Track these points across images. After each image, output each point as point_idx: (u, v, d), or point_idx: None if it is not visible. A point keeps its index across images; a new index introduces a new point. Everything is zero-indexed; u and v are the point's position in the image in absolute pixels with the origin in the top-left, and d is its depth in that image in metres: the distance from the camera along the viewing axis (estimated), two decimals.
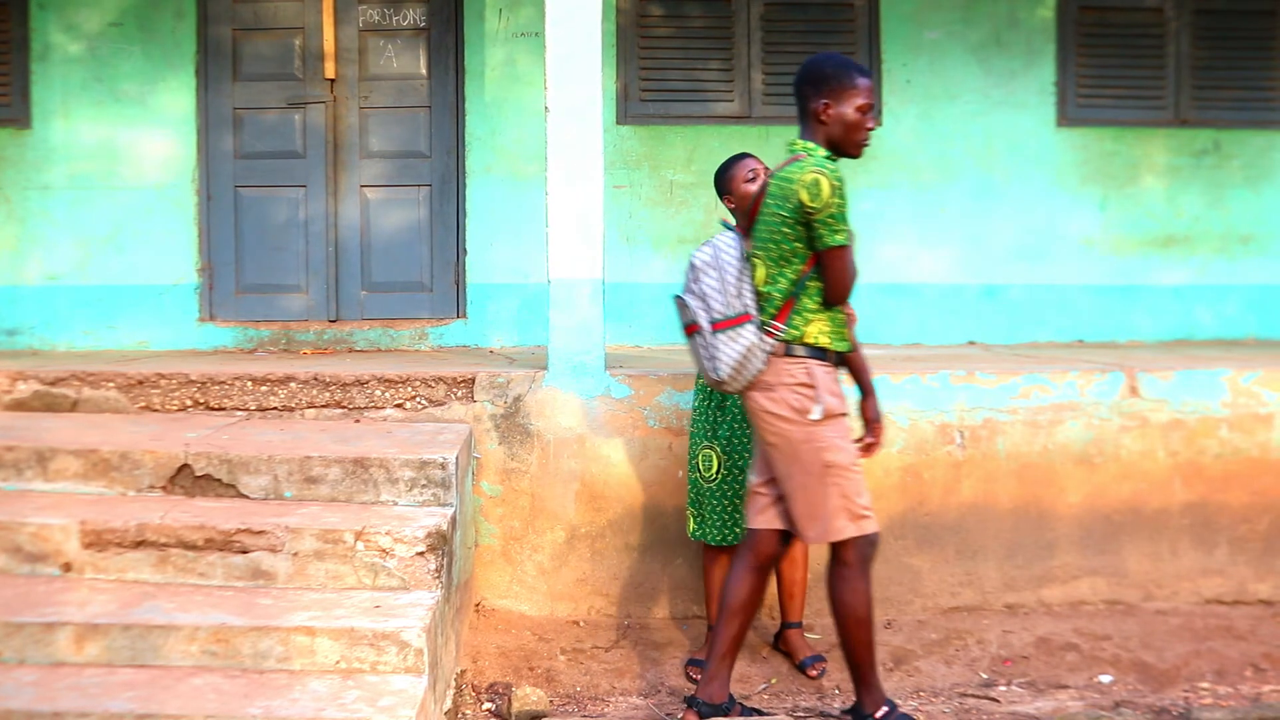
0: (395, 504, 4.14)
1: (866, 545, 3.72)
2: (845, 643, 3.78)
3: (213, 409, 4.90)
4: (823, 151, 3.65)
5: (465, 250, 6.43)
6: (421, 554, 3.84)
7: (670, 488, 4.86)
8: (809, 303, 3.65)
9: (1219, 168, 6.76)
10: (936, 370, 4.98)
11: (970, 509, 4.94)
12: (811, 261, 3.62)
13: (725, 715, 3.86)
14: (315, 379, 4.92)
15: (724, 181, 4.31)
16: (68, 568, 3.87)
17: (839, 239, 3.58)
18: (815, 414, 3.62)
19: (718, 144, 6.49)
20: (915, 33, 6.57)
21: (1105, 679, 4.43)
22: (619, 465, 4.87)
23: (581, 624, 4.80)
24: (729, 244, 3.78)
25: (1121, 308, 6.69)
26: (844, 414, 3.70)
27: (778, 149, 6.45)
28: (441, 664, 3.79)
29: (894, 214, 6.54)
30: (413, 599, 3.75)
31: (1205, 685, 4.42)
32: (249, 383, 4.92)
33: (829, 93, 3.65)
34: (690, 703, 3.89)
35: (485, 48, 6.40)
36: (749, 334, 3.66)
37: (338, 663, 3.49)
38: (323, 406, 4.90)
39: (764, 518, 3.82)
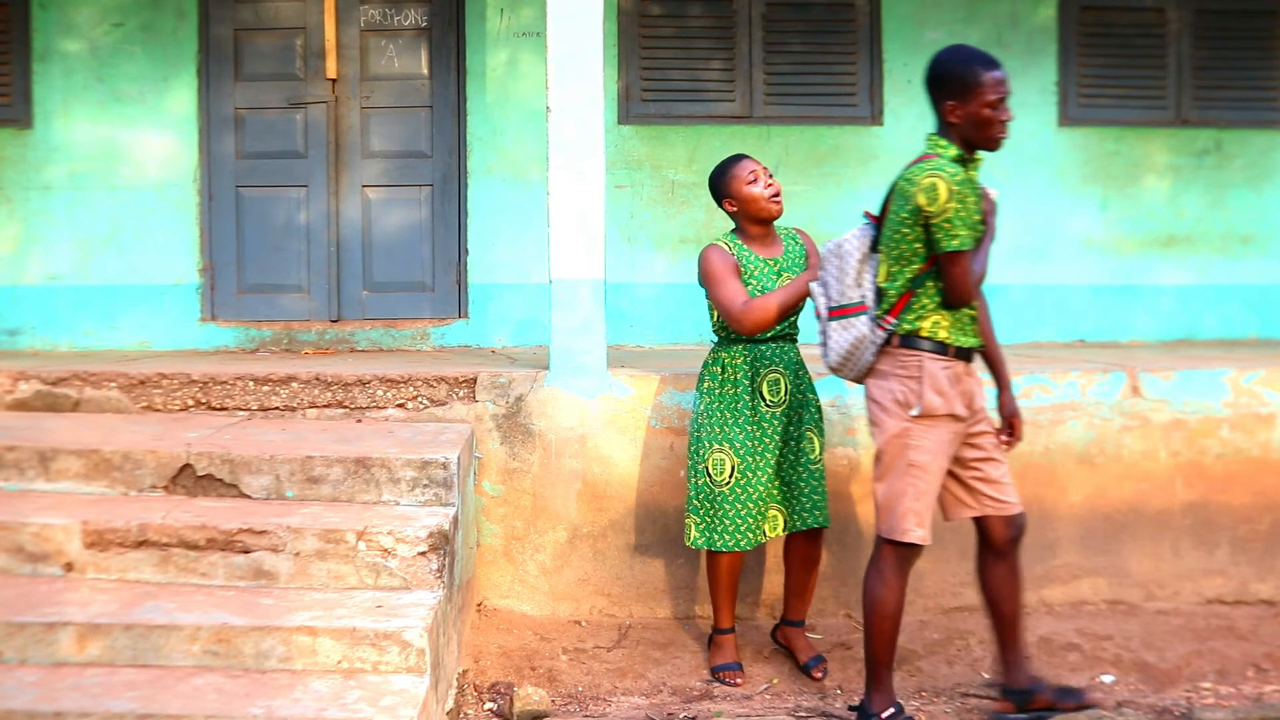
0: (397, 504, 4.14)
1: (913, 552, 3.75)
2: (867, 637, 3.81)
3: (214, 409, 4.90)
4: (954, 150, 3.63)
5: (467, 250, 6.43)
6: (423, 554, 3.84)
7: (672, 488, 4.86)
8: (926, 301, 3.65)
9: (1220, 168, 6.76)
10: None
11: None
12: (930, 262, 3.62)
13: (1034, 696, 3.93)
14: (317, 379, 4.92)
15: (723, 184, 4.27)
16: (69, 567, 3.87)
17: (955, 244, 3.55)
18: (915, 410, 3.63)
19: (719, 144, 6.49)
20: (916, 33, 6.57)
21: (1107, 679, 4.43)
22: (621, 465, 4.87)
23: (583, 624, 4.80)
24: (856, 234, 3.78)
25: (1123, 308, 6.69)
26: (948, 416, 3.64)
27: (779, 149, 6.52)
28: (443, 664, 3.79)
29: None
30: (414, 599, 3.75)
31: (1207, 685, 4.41)
32: (251, 383, 4.92)
33: (955, 92, 3.61)
34: (1003, 692, 4.01)
35: (487, 48, 6.40)
36: (862, 324, 3.68)
37: (339, 662, 3.49)
38: (324, 406, 4.90)
39: (964, 508, 3.87)
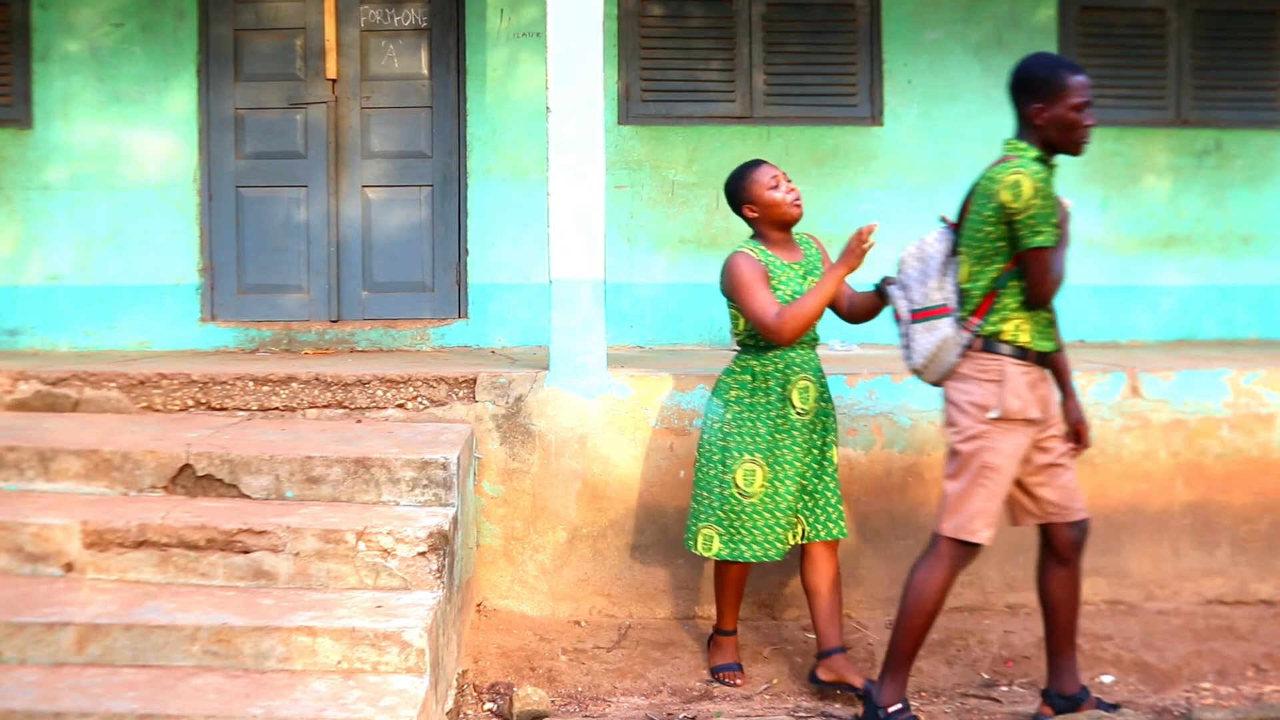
0: (397, 504, 4.14)
1: (973, 552, 3.75)
2: (898, 627, 3.81)
3: (214, 409, 4.90)
4: (1034, 152, 3.66)
5: (467, 250, 6.43)
6: (423, 554, 3.84)
7: (672, 488, 4.86)
8: (1010, 301, 3.67)
9: (1220, 168, 6.76)
10: None
11: None
12: (1014, 261, 3.64)
13: (1080, 705, 3.93)
14: (317, 379, 4.93)
15: (742, 189, 4.18)
16: (69, 568, 3.87)
17: (1040, 240, 3.58)
18: (993, 413, 3.64)
19: (719, 144, 6.49)
20: (916, 33, 6.57)
21: (1107, 679, 4.43)
22: (620, 465, 4.87)
23: (583, 624, 4.80)
24: (936, 237, 3.81)
25: (1123, 308, 6.69)
26: (1026, 420, 3.66)
27: (779, 149, 6.52)
28: (443, 664, 3.79)
29: (894, 214, 6.52)
30: (414, 599, 3.75)
31: (1206, 685, 4.41)
32: (250, 383, 4.92)
33: (1041, 96, 3.66)
34: (1045, 696, 3.99)
35: (487, 48, 6.40)
36: (946, 326, 3.70)
37: (339, 663, 3.49)
38: (324, 407, 4.90)
39: (1029, 515, 3.88)
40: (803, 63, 6.55)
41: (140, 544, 3.85)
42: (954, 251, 3.77)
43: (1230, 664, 4.52)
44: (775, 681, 4.42)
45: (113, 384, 4.91)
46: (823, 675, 4.24)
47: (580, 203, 4.85)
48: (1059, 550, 3.89)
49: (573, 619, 4.83)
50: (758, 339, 4.15)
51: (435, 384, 4.91)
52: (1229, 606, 4.96)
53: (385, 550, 3.84)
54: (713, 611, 4.87)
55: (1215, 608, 4.95)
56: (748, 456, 4.13)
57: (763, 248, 4.18)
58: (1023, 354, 3.68)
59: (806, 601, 4.32)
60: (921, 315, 3.74)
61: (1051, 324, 3.78)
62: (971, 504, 3.68)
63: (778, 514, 4.14)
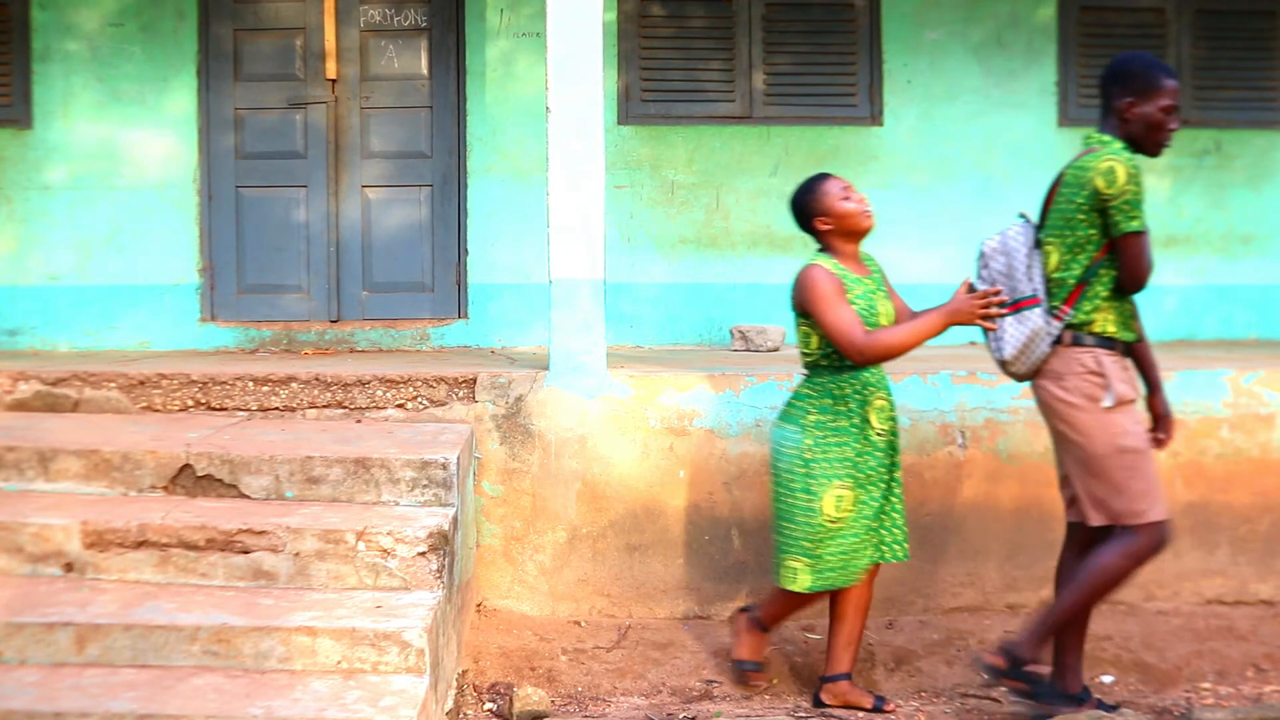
0: (397, 504, 4.14)
1: (1160, 531, 3.75)
2: (1064, 601, 3.83)
3: (214, 409, 4.90)
4: (1119, 144, 3.72)
5: (466, 250, 6.43)
6: (423, 554, 3.84)
7: (672, 488, 4.86)
8: (1100, 290, 3.72)
9: (1220, 168, 6.76)
10: (938, 370, 4.98)
11: (971, 509, 4.93)
12: (1104, 250, 3.70)
13: (1081, 705, 3.93)
14: (317, 379, 4.92)
15: (813, 201, 4.03)
16: (69, 568, 3.87)
17: (1135, 225, 3.64)
18: (1108, 401, 3.68)
19: (719, 144, 6.49)
20: (916, 33, 6.58)
21: (1107, 679, 4.43)
22: (620, 465, 4.87)
23: (583, 624, 4.80)
24: (1017, 231, 3.84)
25: None
26: (1134, 400, 3.75)
27: (779, 149, 6.52)
28: (443, 664, 3.79)
29: (894, 214, 6.52)
30: (414, 599, 3.75)
31: (1206, 685, 4.42)
32: (250, 383, 4.92)
33: (1135, 91, 3.73)
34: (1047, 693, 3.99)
35: (486, 48, 6.40)
36: (1036, 317, 3.74)
37: (339, 663, 3.49)
38: (324, 407, 4.90)
39: (1077, 510, 3.89)
40: (802, 63, 6.56)
41: (140, 544, 3.85)
42: (1036, 244, 3.81)
43: (1230, 664, 4.52)
44: (775, 681, 4.42)
45: (113, 384, 4.91)
46: (827, 699, 4.15)
47: (580, 203, 4.85)
48: (1083, 549, 3.91)
49: (573, 619, 4.83)
50: (833, 358, 3.96)
51: (435, 384, 4.91)
52: (1229, 606, 4.96)
53: (385, 550, 3.84)
54: (713, 611, 4.88)
55: (1215, 608, 4.94)
56: (836, 482, 3.93)
57: (835, 261, 4.01)
58: (1110, 344, 3.74)
59: (831, 619, 4.18)
60: (1012, 308, 3.79)
61: (1134, 315, 3.84)
62: (1132, 488, 3.70)
63: (865, 535, 3.98)
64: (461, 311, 6.44)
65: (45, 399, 4.90)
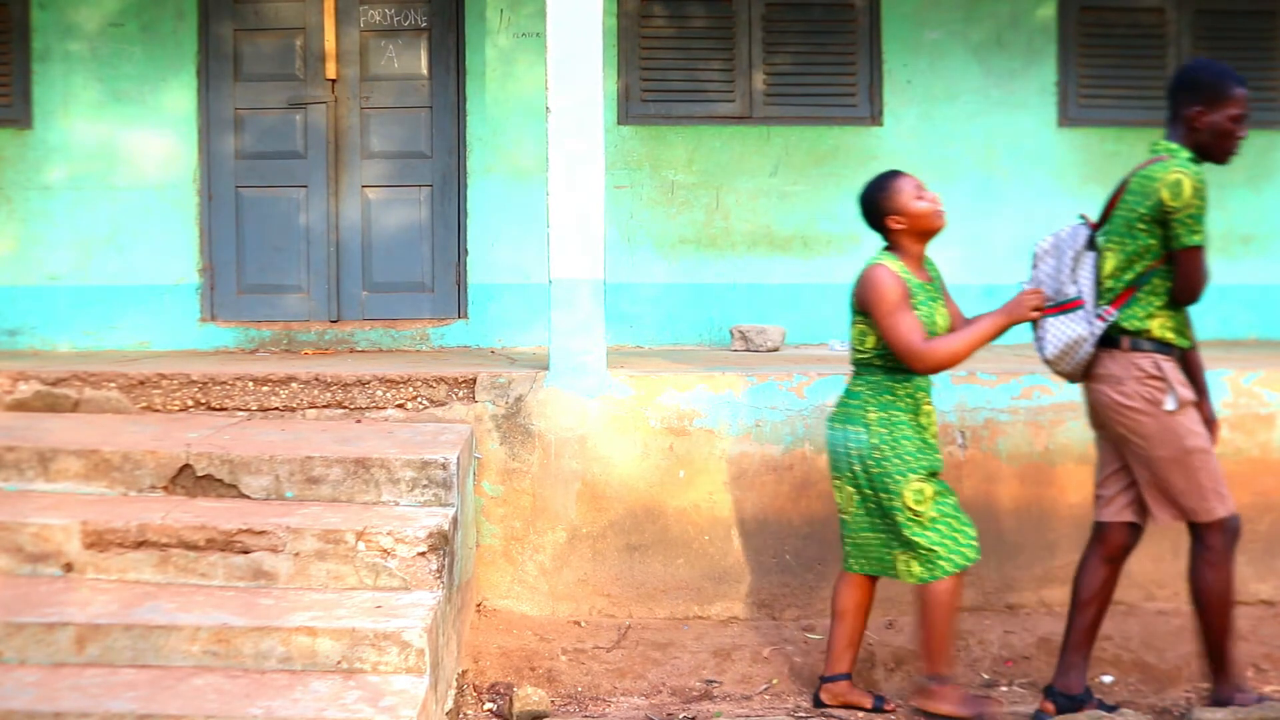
0: (397, 504, 4.14)
1: (1232, 527, 3.80)
2: (1205, 628, 3.84)
3: (214, 409, 4.90)
4: (1186, 154, 3.72)
5: (466, 250, 6.43)
6: (423, 554, 3.84)
7: (671, 488, 4.86)
8: (1155, 299, 3.73)
9: (1220, 168, 6.74)
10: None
11: (971, 509, 4.90)
12: (1162, 259, 3.70)
13: (1081, 706, 3.93)
14: (316, 379, 4.92)
15: (885, 199, 3.91)
16: (69, 568, 3.87)
17: (1195, 239, 3.65)
18: (1170, 404, 3.71)
19: (719, 144, 6.49)
20: (916, 33, 6.58)
21: (1107, 679, 4.43)
22: (620, 465, 4.87)
23: (583, 624, 4.80)
24: (1069, 232, 3.86)
25: None
26: (1195, 403, 3.77)
27: (779, 149, 6.52)
28: (443, 664, 3.79)
29: None
30: (414, 599, 3.75)
31: (1206, 686, 4.41)
32: (250, 383, 4.92)
33: (1204, 100, 3.75)
34: (1047, 692, 3.98)
35: (486, 48, 6.40)
36: (1080, 319, 3.76)
37: (339, 663, 3.49)
38: (324, 407, 4.90)
39: (1111, 511, 3.92)
40: (802, 63, 6.56)
41: (140, 544, 3.85)
42: (1090, 246, 3.82)
43: None
44: (775, 681, 4.42)
45: (113, 384, 4.91)
46: (827, 699, 4.12)
47: (580, 203, 4.85)
48: (1110, 549, 3.94)
49: (573, 619, 4.83)
50: (888, 359, 3.88)
51: (435, 384, 4.91)
52: None
53: (385, 550, 3.84)
54: (713, 611, 4.87)
55: None
56: (912, 476, 3.84)
57: (900, 263, 3.90)
58: (1168, 349, 3.75)
59: (831, 619, 4.13)
60: (1055, 309, 3.80)
61: (1188, 323, 3.84)
62: (1200, 488, 3.73)
63: (959, 514, 3.90)
64: (461, 311, 6.45)
65: (45, 399, 4.90)
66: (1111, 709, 4.00)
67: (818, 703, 4.15)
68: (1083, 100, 6.67)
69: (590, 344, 4.86)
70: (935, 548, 3.83)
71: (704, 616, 4.85)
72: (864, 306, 3.89)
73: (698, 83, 6.53)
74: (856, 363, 4.00)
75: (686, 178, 6.49)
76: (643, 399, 4.88)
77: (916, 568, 3.86)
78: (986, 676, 4.42)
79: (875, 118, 6.59)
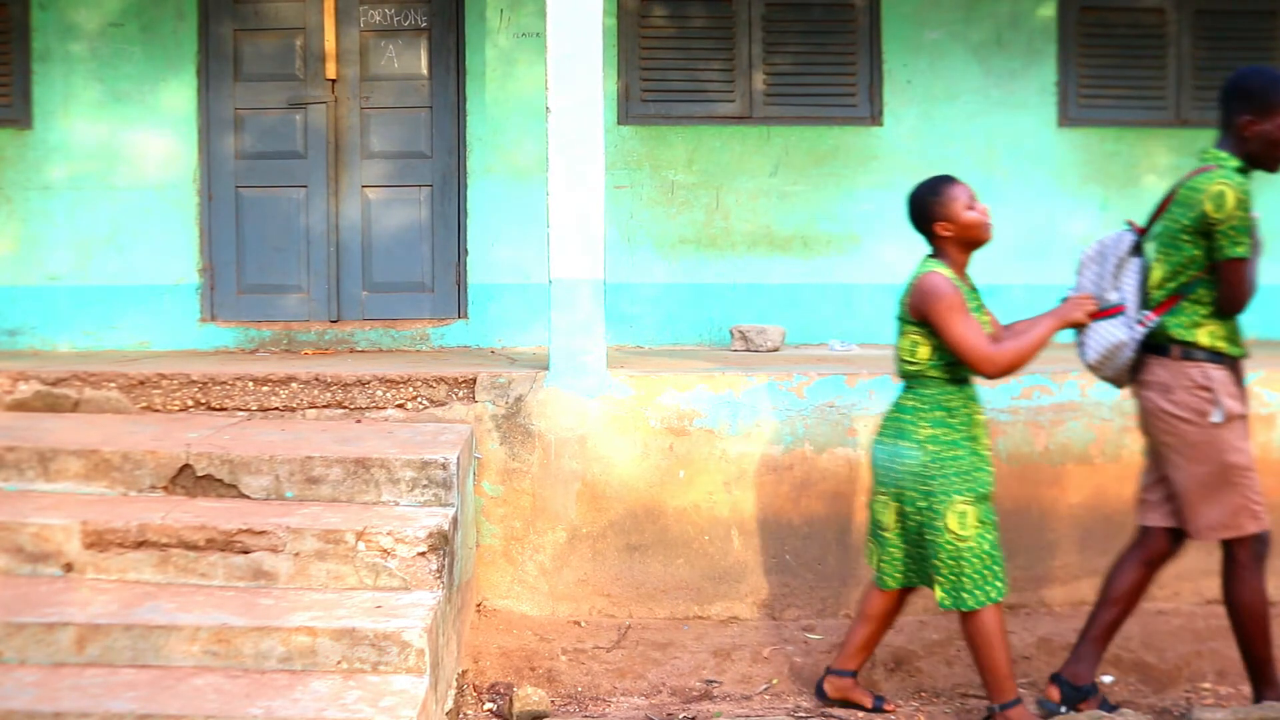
0: (397, 504, 4.14)
1: (1261, 543, 3.80)
2: (1244, 641, 3.84)
3: (214, 409, 4.90)
4: (1235, 163, 3.70)
5: (466, 250, 6.43)
6: (423, 554, 3.84)
7: (672, 488, 4.87)
8: (1200, 308, 3.73)
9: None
10: None
11: None
12: (1206, 270, 3.70)
13: (1085, 698, 3.95)
14: (316, 379, 4.92)
15: (936, 206, 3.80)
16: (69, 568, 3.87)
17: (1239, 251, 3.64)
18: (1216, 417, 3.70)
19: (719, 144, 6.50)
20: (916, 33, 6.58)
21: (1107, 679, 4.43)
22: (620, 465, 4.87)
23: (583, 624, 4.80)
24: (1114, 239, 3.87)
25: None
26: (1243, 415, 3.76)
27: (779, 149, 6.52)
28: (443, 664, 3.79)
29: (894, 214, 6.51)
30: (414, 599, 3.75)
31: (1206, 685, 4.42)
32: (250, 383, 4.92)
33: (1256, 109, 3.69)
34: (1053, 679, 3.99)
35: (486, 48, 6.40)
36: (1120, 324, 3.78)
37: (339, 663, 3.49)
38: (324, 407, 4.90)
39: (1155, 516, 3.93)
40: (802, 63, 6.56)
41: (140, 544, 3.85)
42: (1135, 252, 3.83)
43: (1230, 664, 4.50)
44: (775, 681, 4.42)
45: (113, 384, 4.91)
46: (830, 691, 4.11)
47: (580, 203, 4.85)
48: (1150, 554, 3.94)
49: (573, 619, 4.83)
50: (944, 369, 3.79)
51: (435, 384, 4.91)
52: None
53: (385, 550, 3.84)
54: (713, 611, 4.88)
55: (1215, 608, 4.92)
56: (958, 498, 3.74)
57: (951, 270, 3.81)
58: (1219, 359, 3.74)
59: (856, 616, 4.11)
60: (1098, 315, 3.82)
61: (1239, 330, 3.83)
62: (1231, 503, 3.73)
63: (995, 552, 3.80)
64: (461, 311, 6.45)
65: (45, 399, 4.91)
66: (1112, 709, 4.00)
67: (819, 692, 4.14)
68: (1083, 100, 6.67)
69: (590, 344, 4.86)
70: (964, 579, 3.76)
71: (704, 616, 4.85)
72: (920, 315, 3.76)
73: (698, 83, 6.53)
74: (907, 375, 3.86)
75: (686, 178, 6.49)
76: (643, 399, 4.88)
77: (944, 595, 3.79)
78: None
79: (875, 118, 6.59)
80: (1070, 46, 6.65)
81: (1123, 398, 4.98)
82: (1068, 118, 6.67)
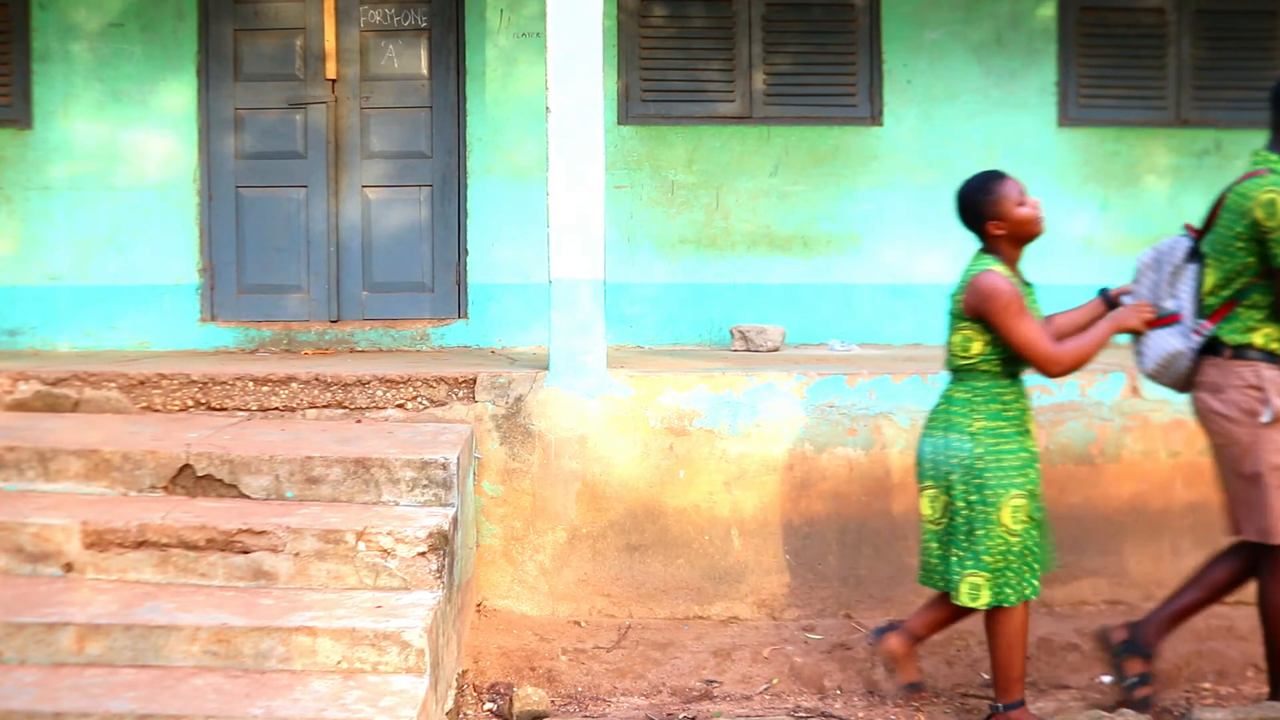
0: (397, 504, 4.14)
1: None
2: (1271, 642, 3.84)
3: (214, 409, 4.90)
4: None
5: (466, 250, 6.43)
6: (423, 554, 3.84)
7: (672, 488, 4.86)
8: (1255, 313, 3.70)
9: (1220, 168, 6.75)
10: (938, 370, 4.96)
11: None
12: (1261, 274, 3.67)
13: (1144, 658, 4.01)
14: (316, 379, 4.92)
15: (989, 204, 3.73)
16: (69, 568, 3.87)
17: None
18: (1265, 417, 3.67)
19: (719, 144, 6.49)
20: (916, 33, 6.57)
21: (1107, 679, 4.43)
22: (620, 465, 4.87)
23: (583, 624, 4.80)
24: (1170, 244, 3.86)
25: None
26: None
27: (779, 149, 6.52)
28: (443, 664, 3.79)
29: (894, 214, 6.55)
30: (414, 599, 3.75)
31: (1206, 685, 4.42)
32: (250, 383, 4.92)
33: None
34: (1125, 646, 4.04)
35: (486, 48, 6.40)
36: (1176, 332, 3.77)
37: (339, 663, 3.49)
38: (324, 407, 4.90)
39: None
40: (802, 63, 6.56)
41: (140, 544, 3.85)
42: (1193, 257, 3.81)
43: (1230, 664, 4.52)
44: (775, 682, 4.42)
45: (113, 384, 4.91)
46: (894, 643, 4.02)
47: (580, 203, 4.85)
48: (1249, 555, 3.88)
49: (573, 619, 4.83)
50: (996, 364, 3.75)
51: (435, 384, 4.91)
52: (1229, 607, 4.92)
53: (385, 550, 3.84)
54: (713, 611, 4.88)
55: (1215, 608, 4.91)
56: (1014, 491, 3.70)
57: (1005, 267, 3.75)
58: (1275, 359, 3.71)
59: (930, 601, 4.06)
60: (1156, 323, 3.81)
61: None
62: (1273, 506, 3.69)
63: (1043, 545, 3.81)
64: (461, 311, 6.45)
65: (45, 399, 4.91)
66: (1112, 708, 4.00)
67: (878, 633, 4.08)
68: (1083, 100, 6.67)
69: (590, 344, 4.86)
70: (1009, 574, 3.72)
71: (704, 616, 4.85)
72: (975, 313, 3.71)
73: (698, 83, 6.53)
74: (958, 369, 3.82)
75: (686, 178, 6.49)
76: (643, 399, 4.88)
77: (985, 593, 3.73)
78: (986, 676, 4.42)
79: (875, 118, 6.59)
80: (1070, 46, 6.65)
81: (1121, 398, 4.98)
82: (1068, 118, 6.67)
